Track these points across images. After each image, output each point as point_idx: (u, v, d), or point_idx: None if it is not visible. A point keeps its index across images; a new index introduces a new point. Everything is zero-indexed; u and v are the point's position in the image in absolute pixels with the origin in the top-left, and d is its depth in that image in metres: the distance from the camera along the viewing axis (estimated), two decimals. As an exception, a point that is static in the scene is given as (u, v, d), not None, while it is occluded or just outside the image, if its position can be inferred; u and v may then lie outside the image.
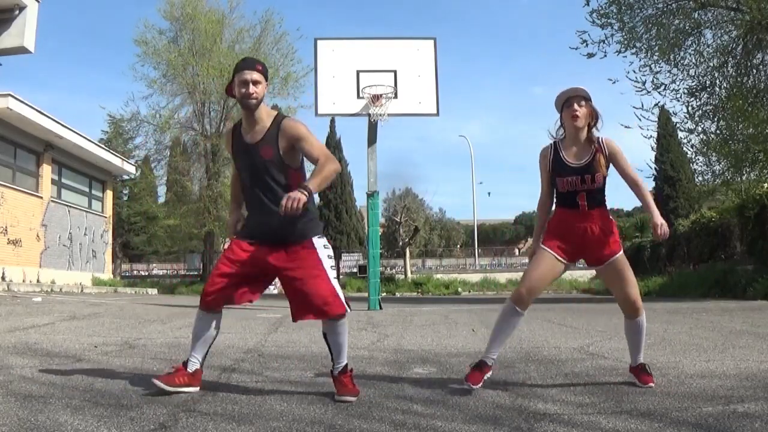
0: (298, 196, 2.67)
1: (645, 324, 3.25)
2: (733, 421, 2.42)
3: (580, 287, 25.29)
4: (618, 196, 66.28)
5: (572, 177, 3.13)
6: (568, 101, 3.15)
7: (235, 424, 2.40)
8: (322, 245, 2.98)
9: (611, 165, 3.17)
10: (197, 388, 2.94)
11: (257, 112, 2.96)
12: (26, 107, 15.73)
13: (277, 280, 3.10)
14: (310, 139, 2.94)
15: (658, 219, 3.07)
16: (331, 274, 2.96)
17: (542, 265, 3.15)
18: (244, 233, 3.05)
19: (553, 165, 3.20)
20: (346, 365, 3.01)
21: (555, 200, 3.29)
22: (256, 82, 2.93)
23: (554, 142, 3.25)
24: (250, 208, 3.07)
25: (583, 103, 3.13)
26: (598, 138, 3.18)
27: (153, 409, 2.60)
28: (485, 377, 3.06)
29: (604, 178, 3.15)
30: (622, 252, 3.18)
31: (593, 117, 3.17)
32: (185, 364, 2.96)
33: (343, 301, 2.95)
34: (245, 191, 3.08)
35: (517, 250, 57.03)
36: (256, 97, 2.92)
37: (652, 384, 3.14)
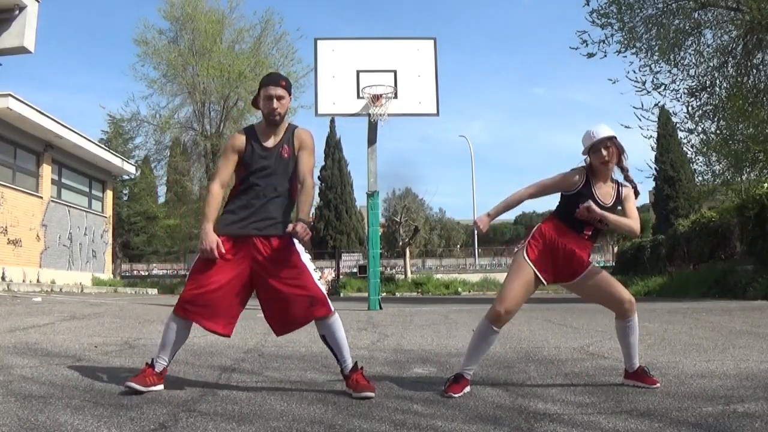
0: (307, 230, 2.90)
1: (637, 323, 3.23)
2: (733, 421, 2.42)
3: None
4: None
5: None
6: (594, 147, 3.16)
7: (235, 424, 2.40)
8: (302, 249, 3.05)
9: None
10: (162, 386, 2.98)
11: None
12: (26, 107, 15.72)
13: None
14: (312, 153, 3.16)
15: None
16: (315, 275, 3.01)
17: (524, 284, 3.11)
18: (229, 225, 3.04)
19: (579, 192, 3.17)
20: (356, 363, 3.04)
21: (557, 212, 3.25)
22: (280, 98, 3.06)
23: (588, 172, 3.22)
24: (246, 197, 3.06)
25: (610, 145, 3.15)
26: (621, 184, 3.25)
27: (153, 409, 2.60)
28: (465, 390, 3.01)
29: None
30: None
31: (620, 153, 3.19)
32: (151, 365, 2.99)
33: (329, 303, 3.00)
34: (243, 187, 3.07)
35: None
36: (280, 112, 3.07)
37: (658, 384, 3.13)
